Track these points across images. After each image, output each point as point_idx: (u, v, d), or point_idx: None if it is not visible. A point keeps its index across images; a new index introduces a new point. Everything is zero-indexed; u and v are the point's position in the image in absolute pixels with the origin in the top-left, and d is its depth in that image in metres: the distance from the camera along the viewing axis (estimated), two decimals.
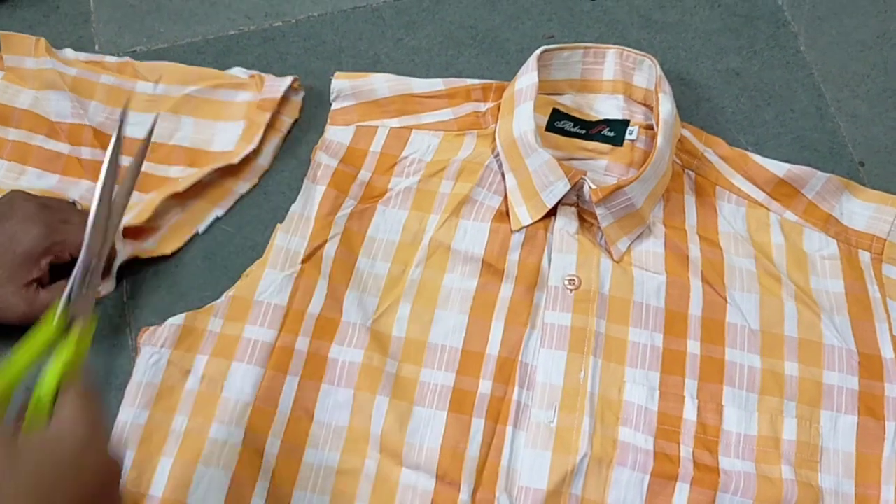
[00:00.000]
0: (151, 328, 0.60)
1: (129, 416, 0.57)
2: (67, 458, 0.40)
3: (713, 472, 0.57)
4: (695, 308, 0.62)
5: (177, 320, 0.61)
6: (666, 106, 0.65)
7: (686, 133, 0.69)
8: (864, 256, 0.65)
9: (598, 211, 0.63)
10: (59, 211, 0.61)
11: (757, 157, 0.68)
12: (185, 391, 0.58)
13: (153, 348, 0.59)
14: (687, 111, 0.73)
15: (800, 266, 0.64)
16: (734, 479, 0.57)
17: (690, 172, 0.68)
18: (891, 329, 0.62)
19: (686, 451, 0.58)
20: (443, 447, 0.57)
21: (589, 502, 0.56)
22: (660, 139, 0.64)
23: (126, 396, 0.58)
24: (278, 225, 0.65)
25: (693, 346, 0.61)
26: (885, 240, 0.65)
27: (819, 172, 0.66)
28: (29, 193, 0.62)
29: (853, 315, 0.63)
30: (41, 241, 0.58)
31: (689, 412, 0.59)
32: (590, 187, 0.62)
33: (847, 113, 0.74)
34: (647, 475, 0.57)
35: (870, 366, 0.61)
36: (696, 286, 0.63)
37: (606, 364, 0.60)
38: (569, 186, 0.63)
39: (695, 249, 0.64)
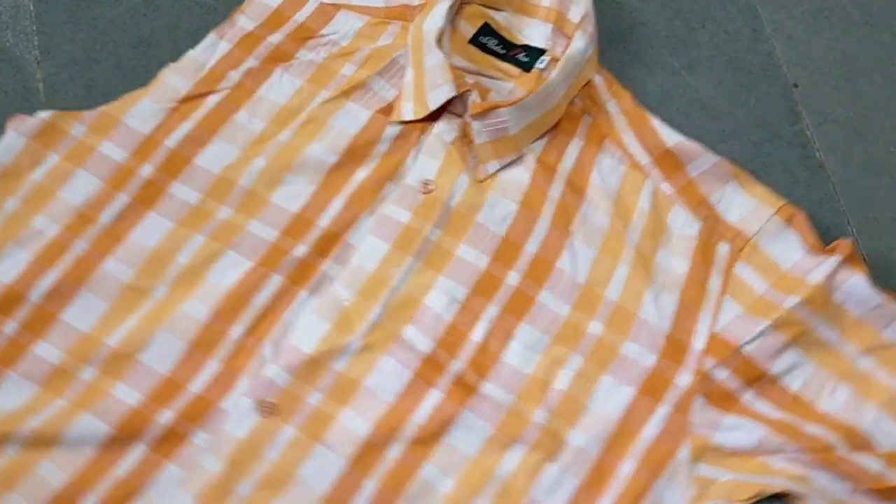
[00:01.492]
0: (23, 116, 0.64)
1: None
2: None
3: (470, 392, 0.58)
4: (531, 244, 0.63)
5: (46, 115, 0.64)
6: (577, 44, 0.65)
7: (598, 79, 0.68)
8: (723, 248, 0.63)
9: (474, 126, 0.63)
10: None
11: (656, 122, 0.67)
12: (27, 179, 0.62)
13: (16, 134, 0.63)
14: (621, 34, 0.72)
15: (654, 237, 0.63)
16: (486, 404, 0.58)
17: (588, 118, 0.67)
18: (713, 325, 0.61)
19: (457, 365, 0.59)
20: (233, 289, 0.59)
21: (346, 380, 0.58)
22: (554, 73, 0.64)
23: None
24: (171, 63, 0.67)
25: (513, 278, 0.62)
26: (750, 238, 0.62)
27: (710, 154, 0.65)
28: None
29: (684, 298, 0.62)
30: None
31: (478, 334, 0.60)
32: (472, 101, 0.63)
33: (783, 34, 0.73)
34: (411, 372, 0.59)
35: (674, 350, 0.60)
36: (542, 224, 0.63)
37: (423, 268, 0.61)
38: (454, 93, 0.63)
39: (556, 190, 0.64)
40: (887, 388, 0.59)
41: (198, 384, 0.58)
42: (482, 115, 0.63)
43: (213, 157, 0.64)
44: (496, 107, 0.63)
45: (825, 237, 0.63)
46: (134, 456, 0.55)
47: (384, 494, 0.56)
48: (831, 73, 0.71)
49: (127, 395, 0.56)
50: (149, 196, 0.62)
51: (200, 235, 0.61)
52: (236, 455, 0.56)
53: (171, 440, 0.56)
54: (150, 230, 0.61)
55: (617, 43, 0.72)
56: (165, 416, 0.56)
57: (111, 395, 0.56)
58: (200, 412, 0.57)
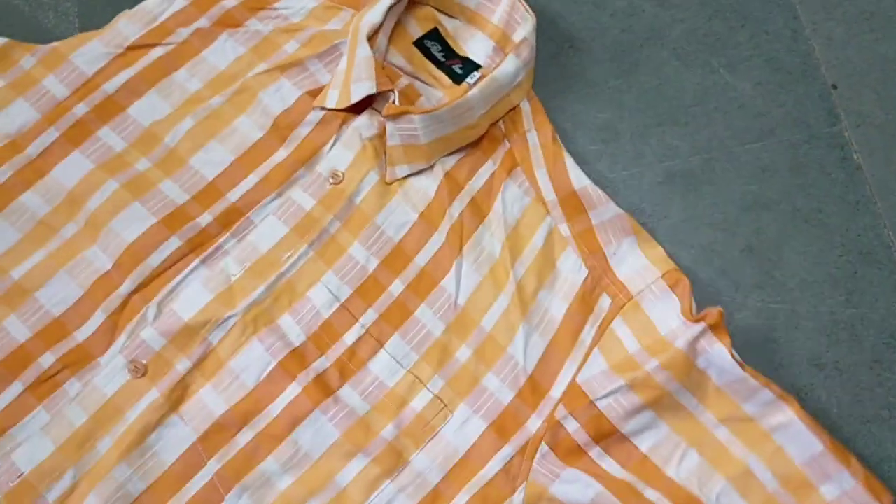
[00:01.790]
0: None
1: None
2: None
3: (328, 393, 0.60)
4: (421, 257, 0.64)
5: (1, 41, 0.68)
6: (506, 67, 0.64)
7: (525, 106, 0.68)
8: (605, 301, 0.62)
9: (388, 127, 0.64)
10: None
11: (569, 161, 0.66)
12: None
13: None
14: (660, 32, 0.72)
15: (540, 275, 0.63)
16: (340, 409, 0.60)
17: (507, 143, 0.67)
18: (577, 374, 0.60)
19: (322, 363, 0.61)
20: (133, 244, 0.62)
21: (215, 355, 0.60)
22: (473, 90, 0.63)
23: None
24: (126, 10, 0.69)
25: (396, 287, 0.63)
26: (633, 297, 0.62)
27: (612, 205, 0.65)
28: None
29: (554, 342, 0.62)
30: None
31: (350, 337, 0.61)
32: (391, 102, 0.64)
33: (822, 35, 0.73)
34: (275, 361, 0.60)
35: (532, 392, 0.60)
36: (436, 239, 0.64)
37: (315, 258, 0.63)
38: (374, 90, 0.64)
39: (458, 209, 0.65)
40: (740, 462, 0.58)
41: (83, 333, 0.61)
42: (395, 117, 0.63)
43: (146, 109, 0.67)
44: (408, 112, 0.62)
45: (861, 239, 0.63)
46: (10, 393, 0.59)
47: (223, 478, 0.58)
48: (870, 75, 0.71)
49: (17, 329, 0.60)
50: (78, 135, 0.66)
51: (115, 182, 0.64)
52: (101, 411, 0.58)
53: (46, 384, 0.59)
54: (72, 169, 0.65)
55: (655, 40, 0.72)
56: (47, 359, 0.60)
57: (2, 327, 0.60)
58: (79, 361, 0.60)
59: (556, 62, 0.72)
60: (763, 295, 0.65)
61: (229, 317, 0.61)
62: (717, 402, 0.58)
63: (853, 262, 0.65)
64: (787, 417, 0.57)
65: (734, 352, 0.57)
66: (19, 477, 0.57)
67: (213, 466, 0.58)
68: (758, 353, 0.63)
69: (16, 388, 0.59)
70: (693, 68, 0.71)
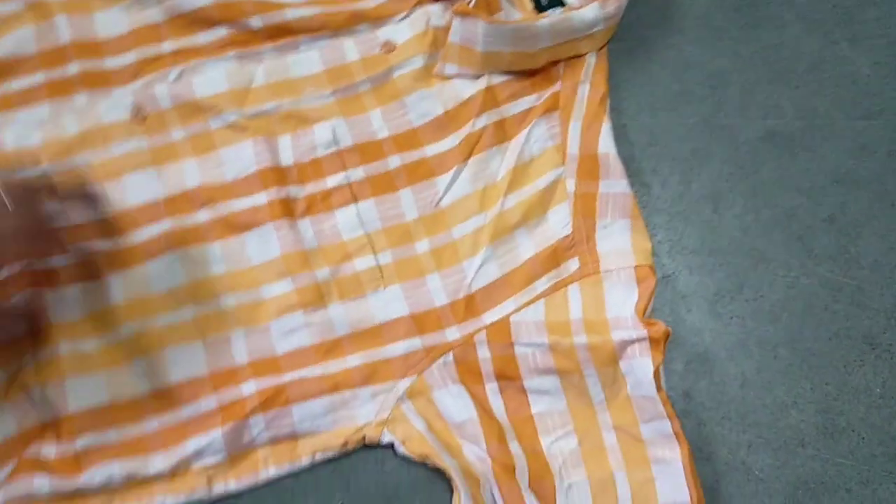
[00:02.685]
0: None
1: None
2: None
3: (288, 216, 0.64)
4: (430, 150, 0.66)
5: None
6: (585, 14, 0.64)
7: (590, 58, 0.67)
8: (573, 264, 0.63)
9: (453, 23, 0.65)
10: None
11: (606, 126, 0.65)
12: None
13: None
14: None
15: (526, 214, 0.64)
16: (290, 233, 0.64)
17: (558, 85, 0.67)
18: (513, 313, 0.62)
19: (296, 190, 0.65)
20: (187, 14, 0.68)
21: (209, 138, 0.66)
22: (543, 21, 0.63)
23: None
24: None
25: (394, 161, 0.66)
26: (600, 272, 0.63)
27: (625, 183, 0.64)
28: None
29: (507, 277, 0.63)
30: None
31: (332, 181, 0.65)
32: (467, 2, 0.65)
33: None
34: (256, 168, 0.65)
35: (465, 307, 0.63)
36: (449, 140, 0.66)
37: (335, 104, 0.67)
38: None
39: (483, 122, 0.66)
40: (609, 471, 0.59)
41: (113, 62, 0.67)
42: (463, 16, 0.64)
43: None
44: (475, 15, 0.64)
45: None
46: (29, 81, 0.67)
47: (170, 239, 0.64)
48: None
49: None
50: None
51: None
52: (92, 131, 0.65)
53: (61, 84, 0.67)
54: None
55: (784, 1, 0.72)
56: (73, 67, 0.67)
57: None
58: (97, 82, 0.67)
59: (681, 2, 0.72)
60: (833, 266, 0.66)
61: (234, 113, 0.66)
62: (619, 408, 0.60)
63: None
64: (672, 456, 0.58)
65: (660, 373, 0.59)
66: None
67: (166, 223, 0.64)
68: (816, 319, 0.64)
69: (38, 78, 0.67)
70: (815, 35, 0.71)
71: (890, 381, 0.63)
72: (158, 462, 0.60)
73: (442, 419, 0.61)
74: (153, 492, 0.61)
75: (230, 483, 0.61)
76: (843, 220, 0.67)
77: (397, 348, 0.62)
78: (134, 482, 0.60)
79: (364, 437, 0.61)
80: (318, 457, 0.61)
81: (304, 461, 0.61)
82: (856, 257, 0.66)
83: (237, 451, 0.61)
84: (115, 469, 0.60)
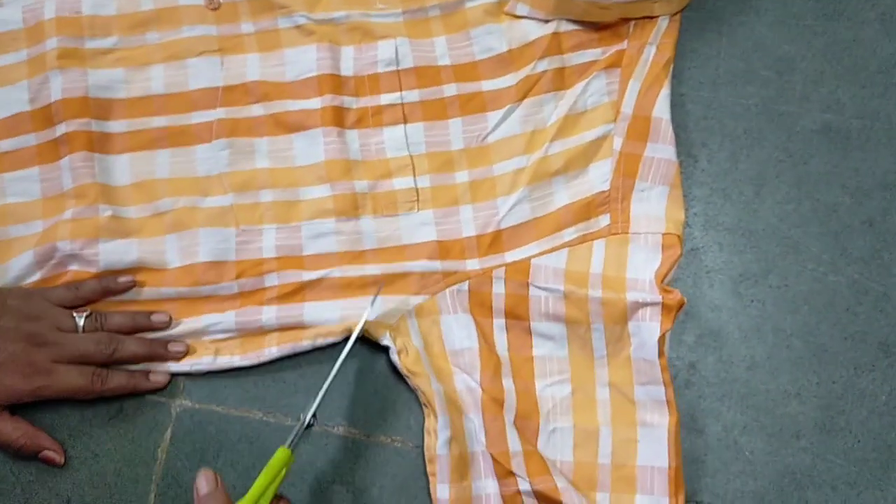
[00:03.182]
0: None
1: None
2: None
3: (337, 123, 0.66)
4: (487, 85, 0.67)
5: None
6: None
7: (662, 22, 0.66)
8: (604, 220, 0.64)
9: None
10: (48, 343, 0.59)
11: (665, 91, 0.65)
12: None
13: None
14: None
15: (568, 164, 0.65)
16: (337, 140, 0.65)
17: (625, 44, 0.67)
18: (536, 255, 0.63)
19: (350, 101, 0.67)
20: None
21: (276, 36, 0.68)
22: None
23: None
24: None
25: (450, 89, 0.67)
26: (629, 232, 0.63)
27: (672, 149, 0.64)
28: (10, 305, 0.60)
29: (537, 221, 0.64)
30: (23, 388, 0.59)
31: (386, 99, 0.67)
32: None
33: None
34: (317, 72, 0.67)
35: (490, 244, 0.64)
36: (508, 79, 0.67)
37: (402, 24, 0.68)
38: None
39: (544, 66, 0.66)
40: (595, 423, 0.60)
41: None
42: None
43: None
44: None
45: None
46: None
47: (221, 126, 0.66)
48: None
49: None
50: None
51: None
52: (165, 9, 0.68)
53: None
54: None
55: (870, 0, 0.71)
56: None
57: None
58: None
59: None
60: (863, 269, 0.65)
61: (303, 16, 0.67)
62: (618, 367, 0.61)
63: None
64: (660, 422, 0.59)
65: (665, 340, 0.60)
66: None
67: (220, 112, 0.66)
68: (835, 317, 0.64)
69: None
70: (893, 38, 0.70)
71: None
72: (170, 330, 0.63)
73: (441, 343, 0.63)
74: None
75: (235, 358, 0.63)
76: (882, 225, 0.66)
77: (416, 267, 0.64)
78: None
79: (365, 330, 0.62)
80: (320, 342, 0.63)
81: (306, 344, 0.63)
82: (888, 264, 0.65)
83: (246, 332, 0.63)
84: None
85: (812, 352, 0.64)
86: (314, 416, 0.57)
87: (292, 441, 0.55)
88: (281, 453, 0.54)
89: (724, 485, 0.62)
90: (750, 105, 0.69)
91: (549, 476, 0.58)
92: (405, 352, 0.62)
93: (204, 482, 0.51)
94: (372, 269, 0.64)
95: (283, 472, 0.54)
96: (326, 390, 0.57)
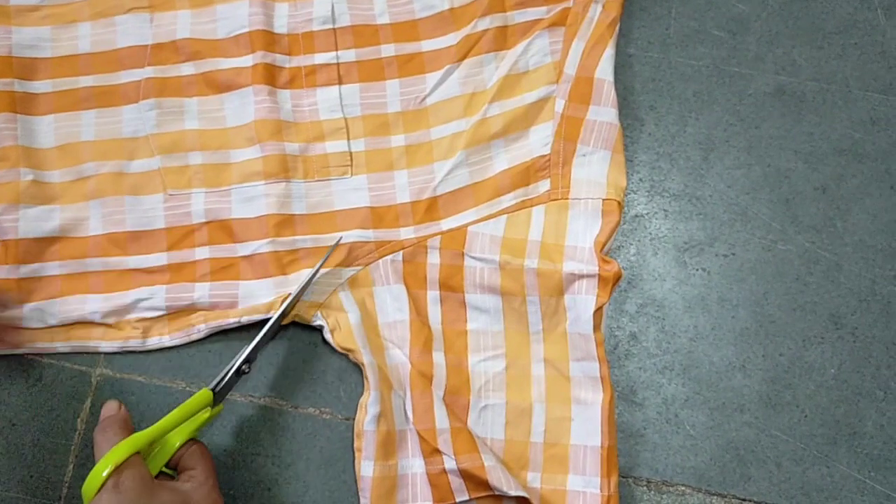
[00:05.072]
0: None
1: None
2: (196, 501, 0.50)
3: (268, 82, 0.63)
4: (426, 45, 0.64)
5: None
6: None
7: None
8: (543, 185, 0.61)
9: None
10: None
11: (609, 52, 0.62)
12: None
13: None
14: None
15: (507, 126, 0.62)
16: (267, 99, 0.62)
17: (571, 2, 0.64)
18: (472, 223, 0.61)
19: (282, 60, 0.64)
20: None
21: None
22: None
23: None
24: None
25: (388, 50, 0.64)
26: (568, 198, 0.61)
27: (615, 113, 0.61)
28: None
29: (475, 186, 0.62)
30: None
31: (320, 58, 0.64)
32: None
33: None
34: (248, 29, 0.64)
35: (426, 211, 0.62)
36: (448, 39, 0.64)
37: None
38: None
39: (485, 24, 0.63)
40: (529, 400, 0.58)
41: None
42: None
43: None
44: None
45: None
46: None
47: (149, 86, 0.64)
48: None
49: None
50: None
51: None
52: None
53: None
54: None
55: None
56: None
57: None
58: None
59: None
60: (815, 237, 0.63)
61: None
62: (554, 342, 0.59)
63: None
64: (594, 399, 0.57)
65: (602, 314, 0.58)
66: None
67: (148, 71, 0.64)
68: (784, 287, 0.62)
69: None
70: None
71: (847, 364, 0.61)
72: (96, 304, 0.61)
73: (374, 316, 0.60)
74: (90, 336, 0.61)
75: (164, 338, 0.61)
76: (835, 192, 0.63)
77: (349, 236, 0.61)
78: (70, 322, 0.61)
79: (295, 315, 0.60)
80: (246, 319, 0.60)
81: (232, 321, 0.60)
82: (840, 232, 0.63)
83: (176, 309, 0.61)
84: (55, 307, 0.60)
85: (759, 323, 0.61)
86: (247, 362, 0.55)
87: (217, 384, 0.54)
88: (202, 394, 0.53)
89: (663, 460, 0.59)
90: (701, 66, 0.66)
91: (477, 454, 0.56)
92: (338, 328, 0.60)
93: (107, 407, 0.53)
94: (303, 240, 0.61)
95: (205, 416, 0.53)
96: (263, 336, 0.56)
